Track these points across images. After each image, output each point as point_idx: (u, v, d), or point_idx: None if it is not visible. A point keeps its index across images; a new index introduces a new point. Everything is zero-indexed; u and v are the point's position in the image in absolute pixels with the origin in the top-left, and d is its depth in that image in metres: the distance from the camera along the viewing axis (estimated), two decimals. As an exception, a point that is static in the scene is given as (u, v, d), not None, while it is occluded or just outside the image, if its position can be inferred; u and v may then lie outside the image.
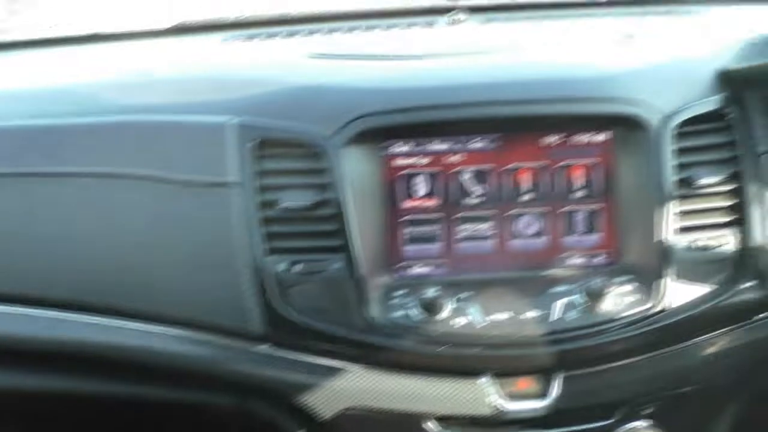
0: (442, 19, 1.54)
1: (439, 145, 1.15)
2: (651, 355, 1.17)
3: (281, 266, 1.13)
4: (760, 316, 1.18)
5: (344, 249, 1.13)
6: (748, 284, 1.15)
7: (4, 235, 1.23)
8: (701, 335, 1.18)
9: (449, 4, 1.65)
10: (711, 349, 1.19)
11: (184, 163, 1.16)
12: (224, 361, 1.20)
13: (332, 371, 1.19)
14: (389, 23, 1.56)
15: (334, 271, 1.14)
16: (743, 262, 1.15)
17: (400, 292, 1.16)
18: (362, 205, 1.15)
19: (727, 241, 1.16)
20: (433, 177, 1.16)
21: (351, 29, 1.53)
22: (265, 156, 1.13)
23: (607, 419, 1.19)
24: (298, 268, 1.15)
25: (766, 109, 1.16)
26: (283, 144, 1.13)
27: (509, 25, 1.55)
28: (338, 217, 1.12)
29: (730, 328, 1.18)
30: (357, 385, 1.18)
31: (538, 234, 1.18)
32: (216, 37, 1.54)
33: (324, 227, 1.15)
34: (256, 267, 1.14)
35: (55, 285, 1.23)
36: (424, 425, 1.18)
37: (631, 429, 1.19)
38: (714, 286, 1.16)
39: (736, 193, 1.15)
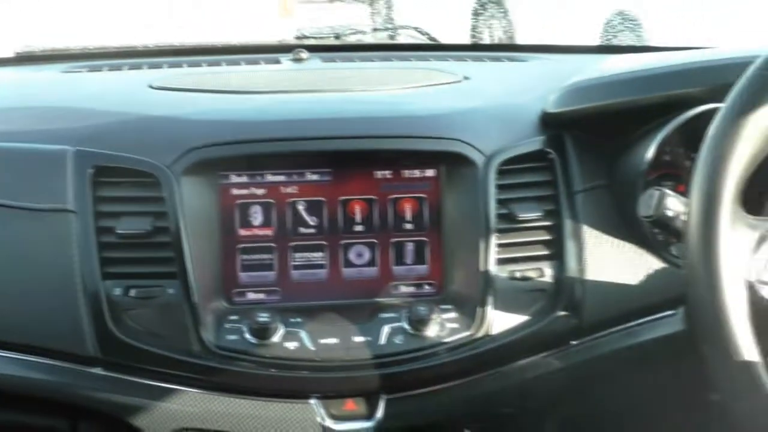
0: (286, 57, 1.57)
1: (274, 177, 1.18)
2: (471, 379, 1.20)
3: (117, 291, 1.15)
4: (574, 342, 1.23)
5: (179, 275, 1.14)
6: (562, 313, 1.21)
7: None
8: (519, 360, 1.22)
9: (293, 42, 1.69)
10: (528, 374, 1.23)
11: (25, 189, 1.16)
12: (58, 383, 1.20)
13: (165, 393, 1.19)
14: (234, 59, 1.59)
15: (169, 297, 1.15)
16: (559, 292, 1.21)
17: (234, 317, 1.18)
18: (199, 232, 1.17)
19: (545, 273, 1.22)
20: (268, 207, 1.18)
21: (195, 63, 1.55)
22: (103, 183, 1.13)
23: None
24: (134, 292, 1.16)
25: (582, 150, 1.23)
26: (121, 172, 1.14)
27: (349, 65, 1.60)
28: (174, 244, 1.14)
29: (546, 354, 1.23)
30: (189, 408, 1.19)
31: (368, 264, 1.22)
32: (58, 67, 1.54)
33: (160, 254, 1.16)
34: (91, 291, 1.15)
35: None
36: None
37: None
38: (531, 315, 1.21)
39: (554, 228, 1.21)
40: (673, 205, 1.08)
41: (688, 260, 1.02)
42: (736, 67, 1.00)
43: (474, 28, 2.37)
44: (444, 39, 1.94)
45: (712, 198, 0.98)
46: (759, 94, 0.98)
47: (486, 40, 2.42)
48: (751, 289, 1.00)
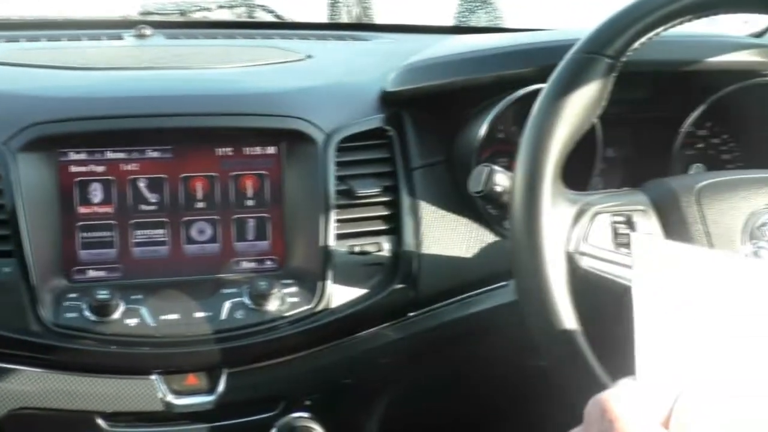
0: (128, 33, 1.56)
1: (115, 154, 1.17)
2: (312, 351, 1.23)
3: None
4: (411, 314, 1.27)
5: (16, 254, 1.13)
6: (400, 286, 1.24)
7: None
8: (358, 332, 1.26)
9: (137, 18, 1.68)
10: (367, 345, 1.26)
11: None
12: None
13: (2, 373, 1.17)
14: (75, 34, 1.57)
15: (5, 275, 1.14)
16: (396, 266, 1.25)
17: (74, 295, 1.17)
18: (37, 210, 1.16)
19: (383, 247, 1.25)
20: (108, 184, 1.18)
21: (34, 38, 1.52)
22: None
23: (271, 411, 1.25)
24: None
25: (420, 128, 1.27)
26: None
27: (193, 42, 1.60)
28: (10, 222, 1.13)
29: (384, 325, 1.27)
30: (28, 387, 1.18)
31: (210, 240, 1.23)
32: None
33: None
34: None
35: None
36: (94, 422, 1.20)
37: (292, 419, 1.25)
38: (370, 288, 1.24)
39: (392, 203, 1.24)
40: (502, 180, 1.12)
41: (513, 233, 1.07)
42: (562, 48, 1.05)
43: (331, 6, 2.38)
44: (298, 17, 1.96)
45: (533, 175, 1.03)
46: (576, 75, 1.04)
47: (343, 18, 2.44)
48: (570, 259, 1.05)
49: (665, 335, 0.83)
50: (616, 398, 0.80)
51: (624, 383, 0.80)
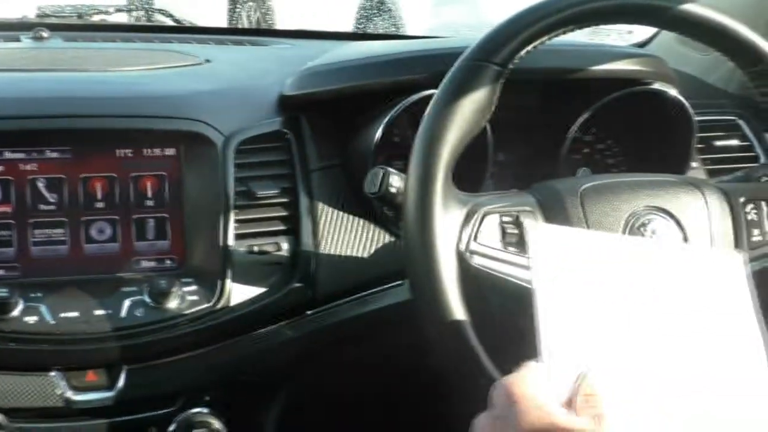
0: (26, 35, 1.55)
1: (13, 154, 1.18)
2: (211, 348, 1.25)
3: None
4: (309, 312, 1.29)
5: None
6: (298, 285, 1.27)
7: None
8: (257, 330, 1.27)
9: (34, 20, 1.67)
10: (265, 343, 1.28)
11: None
12: None
13: None
14: None
15: None
16: (294, 265, 1.27)
17: None
18: None
19: (281, 247, 1.27)
20: (7, 184, 1.19)
21: None
22: None
23: (170, 407, 1.25)
24: None
25: (317, 131, 1.29)
26: None
27: (91, 45, 1.60)
28: None
29: (283, 323, 1.28)
30: None
31: (110, 240, 1.24)
32: None
33: None
34: None
35: None
36: None
37: (191, 415, 1.26)
38: (268, 287, 1.26)
39: (291, 204, 1.27)
40: (396, 182, 1.14)
41: (406, 234, 1.09)
42: (453, 56, 1.08)
43: (230, 11, 2.40)
44: (197, 22, 1.95)
45: (425, 177, 1.06)
46: (465, 82, 1.07)
47: (243, 23, 2.45)
48: (461, 258, 1.08)
49: (567, 317, 0.87)
50: (520, 380, 0.84)
51: (527, 366, 0.83)
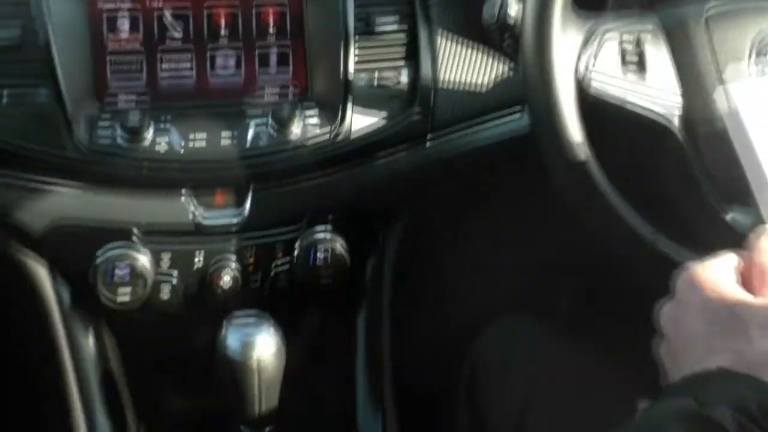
0: None
1: None
2: (332, 173, 1.30)
3: None
4: (429, 137, 1.33)
5: (50, 81, 1.20)
6: (417, 112, 1.30)
7: None
8: (377, 156, 1.32)
9: None
10: (385, 169, 1.32)
11: None
12: None
13: (41, 192, 1.26)
14: None
15: (42, 102, 1.21)
16: (414, 94, 1.30)
17: (107, 119, 1.25)
18: (69, 41, 1.22)
19: (402, 77, 1.30)
20: (135, 16, 1.25)
21: None
22: None
23: (295, 227, 1.33)
24: (5, 99, 1.21)
25: None
26: None
27: None
28: (44, 51, 1.20)
29: (402, 150, 1.33)
30: (67, 202, 1.26)
31: (234, 70, 1.29)
32: None
33: (29, 61, 1.22)
34: None
35: None
36: (130, 235, 1.29)
37: (314, 234, 1.33)
38: (388, 114, 1.30)
39: (410, 35, 1.29)
40: (514, 10, 1.18)
41: (525, 61, 1.11)
42: None
43: None
44: None
45: (543, 1, 1.08)
46: None
47: None
48: (580, 84, 1.10)
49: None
50: (705, 266, 0.89)
51: (715, 255, 0.90)
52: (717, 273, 0.90)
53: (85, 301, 1.36)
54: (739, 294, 0.87)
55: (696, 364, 0.82)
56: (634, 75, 1.14)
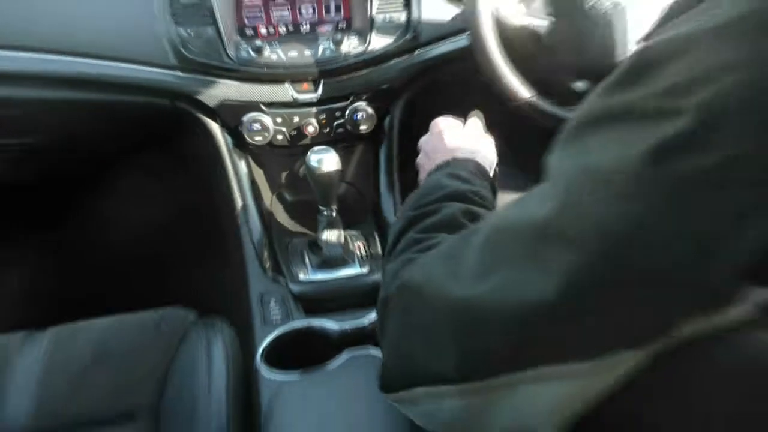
0: None
1: None
2: (365, 71, 1.69)
3: (180, 30, 1.55)
4: (416, 51, 1.68)
5: (214, 24, 1.55)
6: (410, 36, 1.65)
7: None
8: (389, 61, 1.69)
9: None
10: (393, 69, 1.70)
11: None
12: (157, 80, 1.61)
13: (215, 83, 1.62)
14: None
15: (210, 34, 1.55)
16: (408, 26, 1.65)
17: (244, 43, 1.62)
18: (224, 2, 1.56)
19: (401, 17, 1.66)
20: None
21: None
22: None
23: (346, 101, 1.69)
24: (192, 34, 1.58)
25: None
26: None
27: None
28: (212, 7, 1.53)
29: (402, 57, 1.69)
30: (226, 90, 1.66)
31: (311, 14, 1.64)
32: None
33: (204, 12, 1.55)
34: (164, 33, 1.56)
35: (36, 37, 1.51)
36: (259, 107, 1.69)
37: (356, 105, 1.71)
38: (394, 38, 1.66)
39: None
40: None
41: (466, 6, 1.42)
42: None
43: None
44: None
45: None
46: None
47: None
48: (495, 16, 1.41)
49: None
50: (444, 119, 1.19)
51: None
52: (449, 122, 1.19)
53: (239, 142, 1.74)
54: (457, 130, 1.15)
55: (440, 159, 1.07)
56: (524, 7, 1.45)
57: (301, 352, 1.41)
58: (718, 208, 0.53)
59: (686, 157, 0.54)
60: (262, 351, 1.43)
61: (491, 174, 1.07)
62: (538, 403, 0.64)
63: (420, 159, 1.22)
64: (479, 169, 1.01)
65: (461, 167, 0.99)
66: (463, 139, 1.16)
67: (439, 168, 1.03)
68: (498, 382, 0.66)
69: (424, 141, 1.24)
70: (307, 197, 1.71)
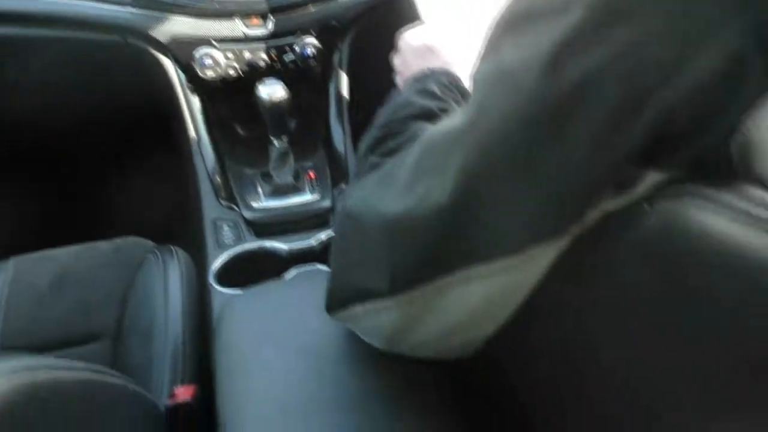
0: None
1: None
2: (314, 6, 1.77)
3: None
4: None
5: None
6: None
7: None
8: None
9: None
10: (341, 6, 1.80)
11: None
12: (112, 15, 1.68)
13: (167, 19, 1.68)
14: None
15: None
16: None
17: None
18: None
19: None
20: None
21: None
22: None
23: (295, 36, 1.77)
24: None
25: None
26: None
27: None
28: None
29: None
30: (178, 26, 1.70)
31: None
32: None
33: None
34: None
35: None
36: (210, 41, 1.75)
37: (305, 38, 1.78)
38: None
39: None
40: None
41: None
42: None
43: None
44: None
45: None
46: None
47: None
48: None
49: None
50: (410, 33, 1.14)
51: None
52: (417, 33, 1.14)
53: (192, 78, 1.79)
54: (428, 41, 1.08)
55: (415, 70, 1.03)
56: None
57: (253, 272, 1.48)
58: (615, 101, 0.55)
59: (582, 51, 0.55)
60: (216, 270, 1.52)
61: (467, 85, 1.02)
62: (471, 301, 0.67)
63: (396, 78, 1.19)
64: (452, 81, 0.97)
65: (434, 80, 0.95)
66: (437, 49, 1.10)
67: (415, 80, 0.99)
68: (430, 288, 0.68)
69: (396, 60, 1.18)
70: (259, 132, 1.78)
